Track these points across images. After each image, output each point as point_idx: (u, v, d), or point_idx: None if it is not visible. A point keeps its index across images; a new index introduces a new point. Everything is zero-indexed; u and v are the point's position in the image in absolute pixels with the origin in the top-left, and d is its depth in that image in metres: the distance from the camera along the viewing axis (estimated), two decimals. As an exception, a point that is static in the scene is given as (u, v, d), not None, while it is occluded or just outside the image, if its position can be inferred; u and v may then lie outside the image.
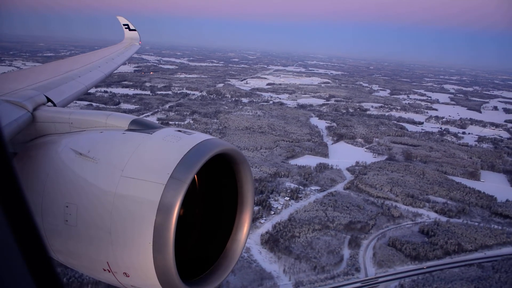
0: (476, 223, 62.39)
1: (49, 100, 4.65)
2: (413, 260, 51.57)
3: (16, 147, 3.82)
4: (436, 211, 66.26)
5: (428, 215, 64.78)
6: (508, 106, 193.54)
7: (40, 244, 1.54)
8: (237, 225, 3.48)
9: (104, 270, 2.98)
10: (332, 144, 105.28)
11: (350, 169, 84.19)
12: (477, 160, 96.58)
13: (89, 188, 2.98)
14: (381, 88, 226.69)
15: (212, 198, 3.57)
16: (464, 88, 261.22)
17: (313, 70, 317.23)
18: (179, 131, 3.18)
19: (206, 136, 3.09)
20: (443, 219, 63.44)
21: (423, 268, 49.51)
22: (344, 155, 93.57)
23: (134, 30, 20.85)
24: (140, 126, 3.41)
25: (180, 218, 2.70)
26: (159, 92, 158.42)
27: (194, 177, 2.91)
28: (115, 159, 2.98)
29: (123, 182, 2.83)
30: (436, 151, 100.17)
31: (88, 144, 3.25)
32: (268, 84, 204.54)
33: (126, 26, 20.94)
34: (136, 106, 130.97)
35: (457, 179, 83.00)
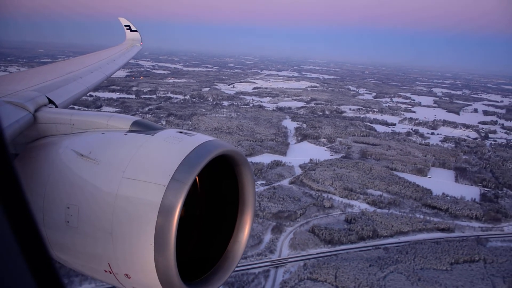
0: (400, 213, 66.93)
1: (50, 101, 4.66)
2: (326, 244, 56.43)
3: (17, 148, 3.82)
4: (368, 203, 70.83)
5: (359, 206, 69.33)
6: (490, 109, 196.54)
7: (41, 246, 1.53)
8: (238, 226, 3.51)
9: (106, 271, 3.01)
10: (295, 143, 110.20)
11: (302, 166, 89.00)
12: (431, 158, 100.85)
13: (90, 189, 3.00)
14: (367, 92, 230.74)
15: (213, 199, 3.62)
16: (453, 92, 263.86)
17: (306, 74, 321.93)
18: (180, 132, 3.21)
19: (208, 138, 3.14)
20: (372, 209, 68.14)
21: (331, 251, 54.41)
22: (302, 154, 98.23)
23: (136, 31, 21.23)
24: (141, 128, 3.46)
25: (181, 219, 2.73)
26: (143, 96, 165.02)
27: (196, 178, 2.93)
28: (117, 161, 3.02)
29: (124, 184, 2.87)
30: (393, 150, 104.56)
31: (90, 146, 3.29)
32: (254, 88, 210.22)
33: (128, 27, 21.39)
34: (117, 109, 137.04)
35: (404, 175, 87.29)
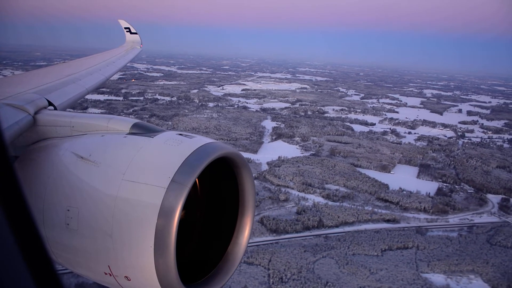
0: (351, 205, 70.15)
1: (50, 103, 4.70)
2: (272, 232, 59.88)
3: (17, 150, 3.83)
4: (322, 196, 74.19)
5: (314, 200, 72.71)
6: (476, 109, 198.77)
7: (41, 247, 1.54)
8: (238, 229, 3.53)
9: (106, 273, 3.01)
10: (269, 142, 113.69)
11: (269, 163, 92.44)
12: (399, 155, 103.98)
13: (90, 192, 3.02)
14: (356, 93, 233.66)
15: (213, 201, 3.64)
16: (443, 93, 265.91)
17: (300, 76, 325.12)
18: (180, 134, 3.21)
19: (208, 140, 3.15)
20: (324, 202, 71.46)
21: (274, 239, 57.87)
22: (274, 152, 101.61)
23: (136, 33, 21.41)
24: (141, 130, 3.47)
25: (181, 221, 2.75)
26: (131, 98, 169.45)
27: (195, 180, 2.91)
28: (116, 163, 3.03)
29: (124, 186, 2.88)
30: (362, 148, 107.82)
31: (90, 148, 3.31)
32: (243, 90, 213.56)
33: (128, 30, 21.60)
34: (102, 111, 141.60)
35: (367, 171, 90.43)
